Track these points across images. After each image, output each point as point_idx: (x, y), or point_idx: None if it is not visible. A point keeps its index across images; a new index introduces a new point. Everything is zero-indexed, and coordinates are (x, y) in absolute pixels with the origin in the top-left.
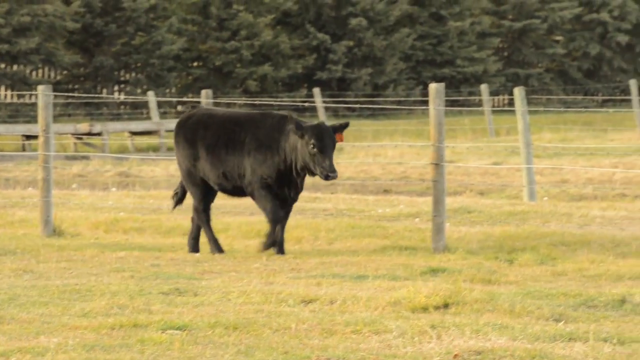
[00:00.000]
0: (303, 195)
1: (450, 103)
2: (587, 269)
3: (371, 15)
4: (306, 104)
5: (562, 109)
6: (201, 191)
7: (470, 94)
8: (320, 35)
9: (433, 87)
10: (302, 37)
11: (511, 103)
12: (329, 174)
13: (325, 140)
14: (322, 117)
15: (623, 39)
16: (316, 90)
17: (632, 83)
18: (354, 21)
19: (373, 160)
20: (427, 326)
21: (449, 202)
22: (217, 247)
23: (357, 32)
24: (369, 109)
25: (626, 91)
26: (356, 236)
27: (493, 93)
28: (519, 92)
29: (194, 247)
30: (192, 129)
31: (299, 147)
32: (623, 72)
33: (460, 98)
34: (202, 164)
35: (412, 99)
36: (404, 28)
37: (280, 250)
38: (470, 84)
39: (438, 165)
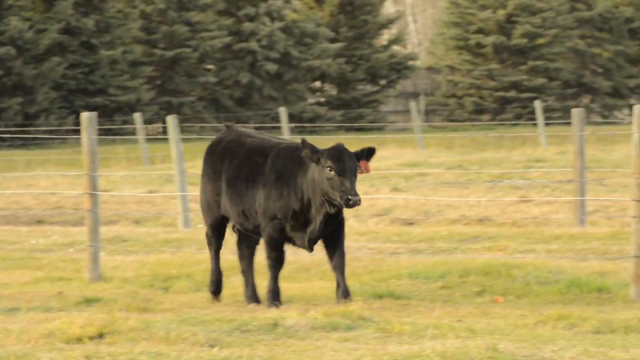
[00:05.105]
0: None
1: (103, 132)
2: (241, 294)
3: (20, 43)
4: None
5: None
6: (218, 223)
7: (124, 122)
8: None
9: (85, 116)
10: None
11: (165, 131)
12: (350, 197)
13: (345, 161)
14: None
15: (272, 67)
16: None
17: (282, 111)
18: (2, 50)
19: (25, 191)
20: (82, 357)
21: (104, 231)
22: (216, 284)
23: (6, 60)
24: (20, 138)
25: (276, 118)
26: (8, 268)
27: (147, 121)
28: (172, 121)
29: (253, 297)
30: (221, 157)
31: (316, 176)
32: (273, 100)
33: (114, 127)
34: (223, 200)
35: (65, 128)
36: (55, 57)
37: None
38: (124, 112)
39: (92, 194)
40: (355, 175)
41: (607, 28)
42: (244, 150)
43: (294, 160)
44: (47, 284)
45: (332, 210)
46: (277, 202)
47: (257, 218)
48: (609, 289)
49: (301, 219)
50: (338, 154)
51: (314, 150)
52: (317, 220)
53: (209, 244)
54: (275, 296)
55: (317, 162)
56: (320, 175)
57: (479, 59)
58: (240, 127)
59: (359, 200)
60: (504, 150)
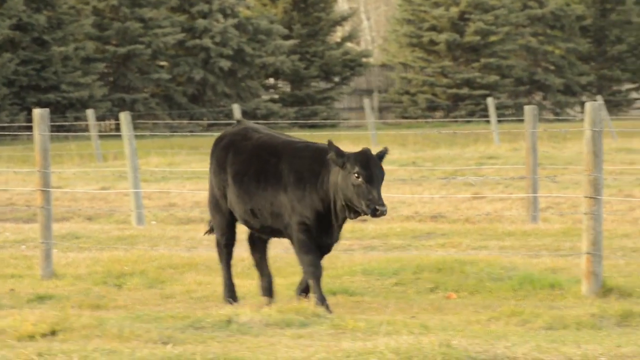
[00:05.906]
0: None
1: (56, 128)
2: (194, 291)
3: None
4: None
5: (168, 134)
6: (226, 223)
7: (77, 119)
8: None
9: (37, 112)
10: None
11: (118, 128)
12: (377, 207)
13: (372, 168)
14: None
15: (225, 64)
16: None
17: (235, 107)
18: None
19: None
20: (34, 354)
21: (57, 228)
22: (230, 294)
23: None
24: None
25: (230, 115)
26: None
27: (99, 118)
28: (125, 117)
29: (269, 290)
30: (225, 150)
31: (339, 180)
32: (227, 96)
33: (67, 123)
34: (229, 194)
35: (17, 124)
36: (6, 53)
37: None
38: (76, 109)
39: (44, 191)
40: (381, 183)
41: (559, 26)
42: (251, 146)
43: (315, 159)
44: None
45: (352, 217)
46: (300, 202)
47: (267, 218)
48: (561, 285)
49: (324, 223)
50: (366, 160)
51: (339, 153)
52: (336, 224)
53: (220, 254)
54: (322, 301)
55: (342, 166)
56: (344, 180)
57: (432, 56)
58: (249, 122)
59: (386, 210)
60: (457, 147)
